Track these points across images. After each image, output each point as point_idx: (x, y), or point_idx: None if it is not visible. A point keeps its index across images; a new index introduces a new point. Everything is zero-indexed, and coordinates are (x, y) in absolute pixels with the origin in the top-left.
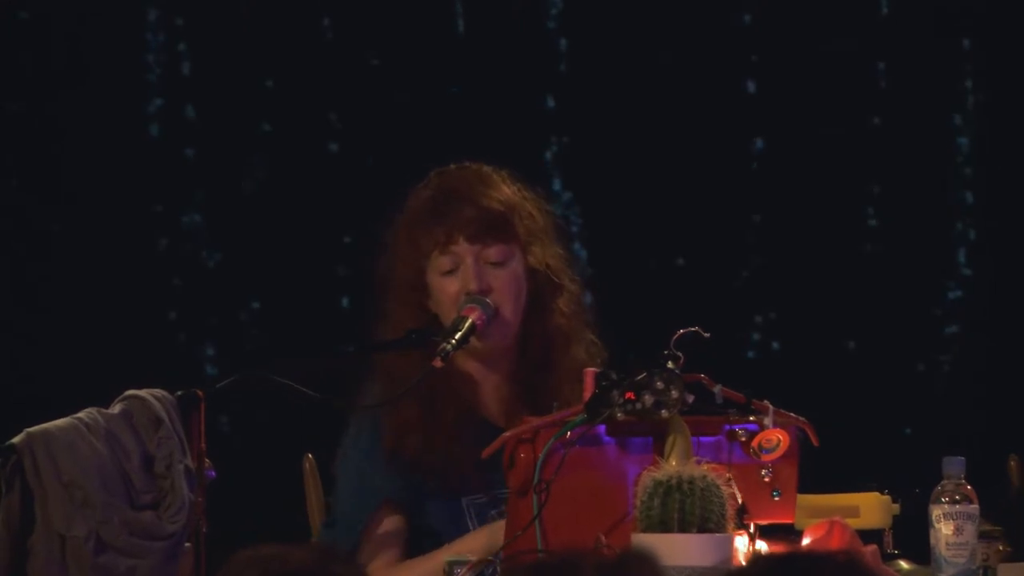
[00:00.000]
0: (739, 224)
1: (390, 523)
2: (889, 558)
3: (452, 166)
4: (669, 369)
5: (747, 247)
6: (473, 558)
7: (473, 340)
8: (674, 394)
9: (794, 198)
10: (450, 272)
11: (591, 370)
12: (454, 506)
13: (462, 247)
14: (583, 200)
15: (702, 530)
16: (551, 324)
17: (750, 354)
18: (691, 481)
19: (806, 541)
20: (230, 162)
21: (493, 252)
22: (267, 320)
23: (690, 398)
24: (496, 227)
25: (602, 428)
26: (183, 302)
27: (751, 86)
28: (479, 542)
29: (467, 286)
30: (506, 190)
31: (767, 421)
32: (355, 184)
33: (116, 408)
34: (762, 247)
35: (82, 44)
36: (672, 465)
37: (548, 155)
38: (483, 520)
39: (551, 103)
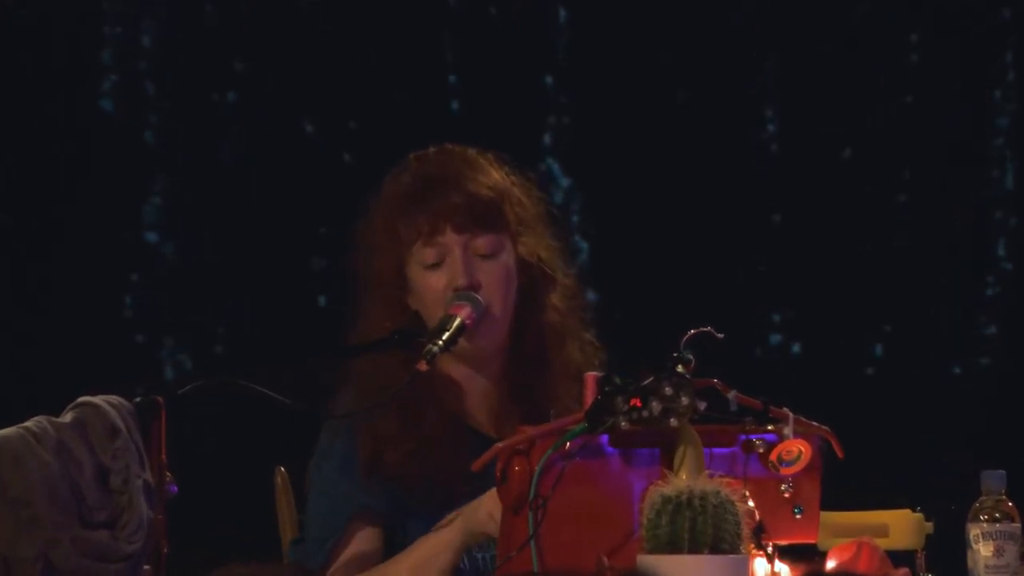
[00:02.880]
0: (756, 214)
1: (365, 539)
2: None
3: (431, 149)
4: (679, 373)
5: (765, 239)
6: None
7: (461, 341)
8: (684, 401)
9: (816, 185)
10: (434, 265)
11: (592, 374)
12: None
13: (448, 237)
14: (584, 187)
15: (715, 551)
16: (544, 321)
17: (768, 357)
18: (703, 497)
19: (831, 564)
20: (193, 145)
21: (482, 243)
22: (235, 319)
23: (702, 405)
24: (486, 215)
25: (604, 438)
26: (141, 298)
27: (770, 62)
28: (454, 533)
29: (455, 281)
30: (494, 174)
31: (787, 431)
32: (333, 168)
33: (67, 416)
34: (781, 239)
35: (31, 18)
36: (682, 479)
37: (546, 138)
38: None
39: (549, 80)
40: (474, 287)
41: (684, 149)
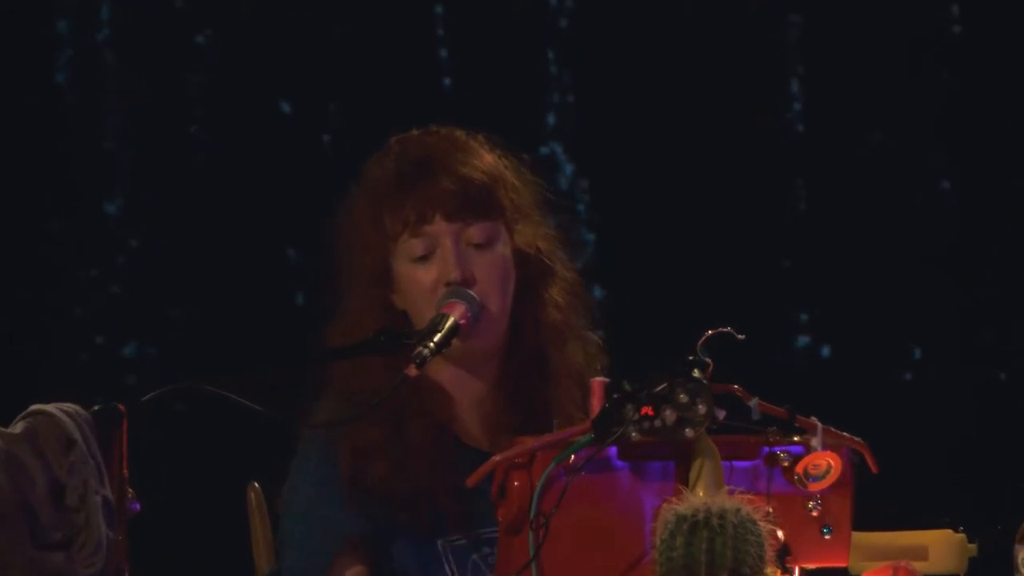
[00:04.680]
0: (780, 201)
1: (350, 571)
2: None
3: (415, 131)
4: (695, 379)
5: (790, 229)
6: None
7: (454, 342)
8: (701, 409)
9: (847, 166)
10: (423, 258)
11: (600, 380)
12: (428, 549)
13: (438, 226)
14: (590, 173)
15: (735, 575)
16: (543, 319)
17: (794, 360)
18: (722, 515)
19: None
20: (158, 125)
21: (476, 232)
22: (204, 318)
23: (721, 414)
24: (479, 201)
25: (613, 451)
26: (100, 297)
27: (793, 30)
28: None
29: (447, 275)
30: (486, 157)
31: (815, 442)
32: (313, 154)
33: (18, 427)
34: (808, 229)
35: None
36: (699, 496)
37: (549, 119)
38: (463, 565)
39: (551, 55)
40: (468, 281)
41: (700, 130)
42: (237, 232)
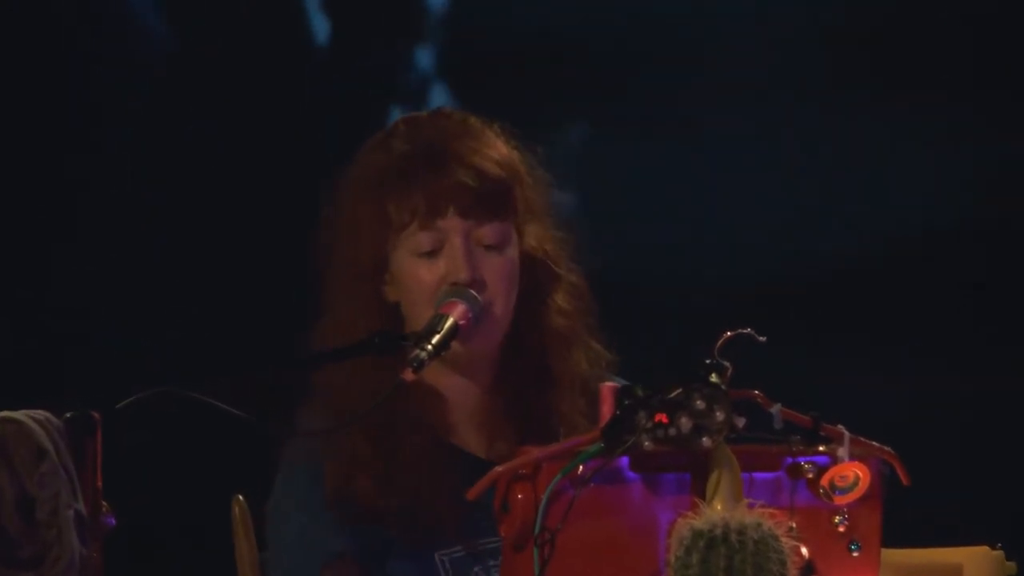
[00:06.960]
0: (794, 192)
1: None
2: None
3: (424, 113)
4: (712, 384)
5: (805, 221)
6: None
7: (452, 344)
8: (719, 416)
9: (863, 147)
10: (430, 254)
11: (610, 385)
12: (425, 563)
13: (450, 222)
14: (594, 161)
15: None
16: (547, 325)
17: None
18: (741, 531)
19: None
20: (157, 128)
21: (488, 232)
22: (187, 318)
23: (740, 422)
24: (495, 199)
25: (624, 461)
26: (72, 294)
27: None
28: None
29: (454, 274)
30: (504, 149)
31: (841, 452)
32: (305, 141)
33: None
34: (826, 219)
35: None
36: (716, 510)
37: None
38: None
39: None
40: (475, 283)
41: (712, 106)
42: (225, 223)
